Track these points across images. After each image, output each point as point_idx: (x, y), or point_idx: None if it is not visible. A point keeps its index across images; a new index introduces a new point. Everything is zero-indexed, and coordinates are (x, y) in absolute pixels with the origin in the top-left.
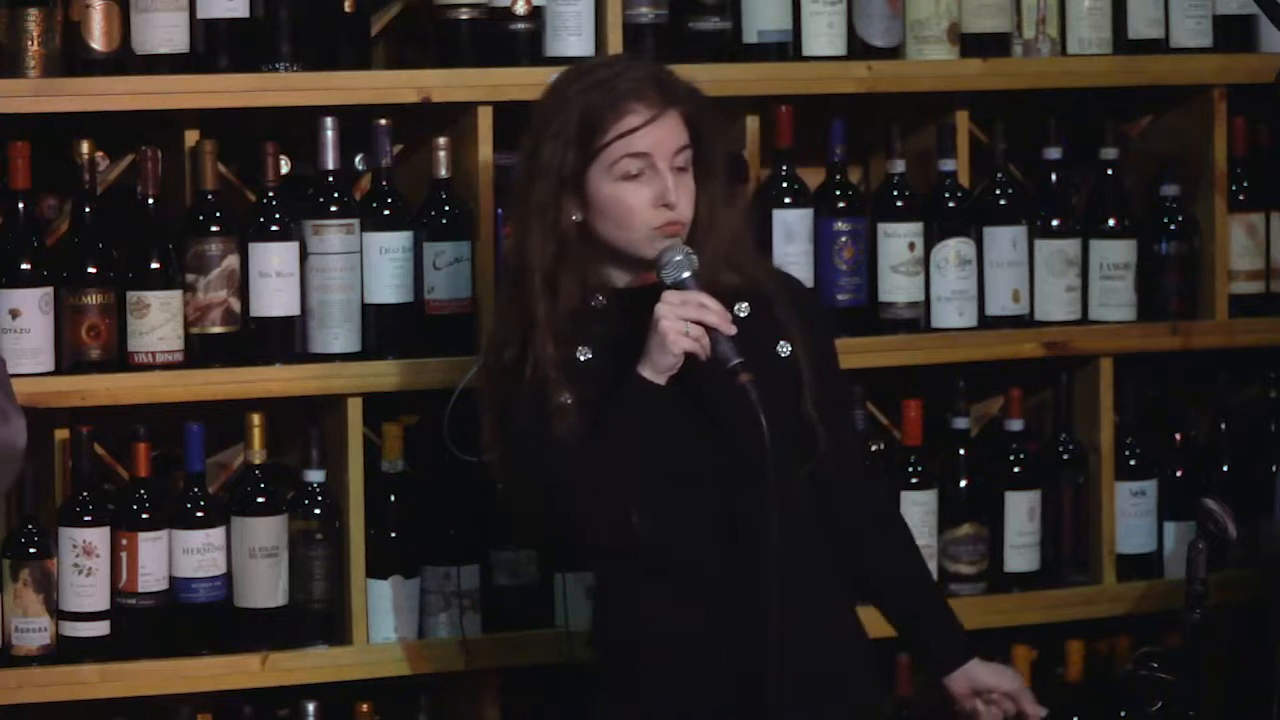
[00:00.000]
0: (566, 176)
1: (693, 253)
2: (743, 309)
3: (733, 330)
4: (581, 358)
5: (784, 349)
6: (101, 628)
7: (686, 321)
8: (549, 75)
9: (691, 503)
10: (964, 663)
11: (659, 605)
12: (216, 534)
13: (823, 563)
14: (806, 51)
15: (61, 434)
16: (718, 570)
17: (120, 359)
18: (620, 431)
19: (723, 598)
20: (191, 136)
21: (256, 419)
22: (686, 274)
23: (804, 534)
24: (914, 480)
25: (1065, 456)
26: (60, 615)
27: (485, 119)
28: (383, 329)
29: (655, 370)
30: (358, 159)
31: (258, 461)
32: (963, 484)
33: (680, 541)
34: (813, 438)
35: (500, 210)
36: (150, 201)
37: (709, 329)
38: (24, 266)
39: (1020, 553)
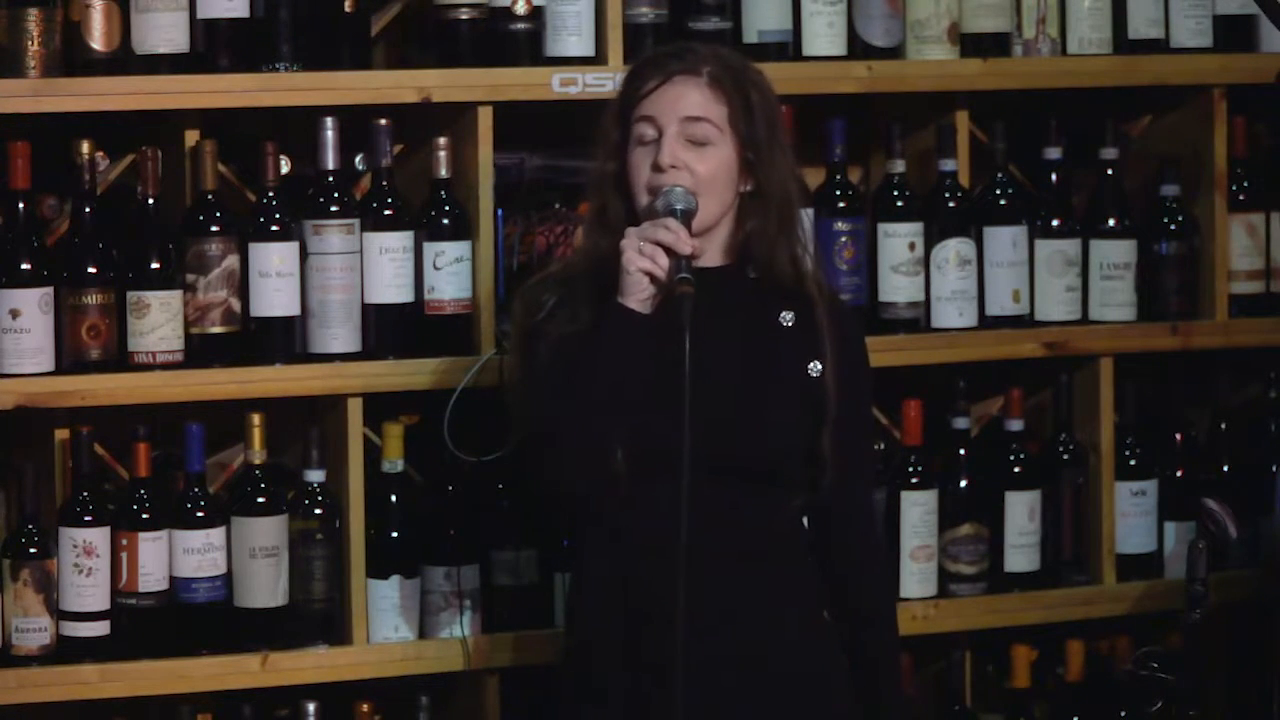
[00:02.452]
0: (609, 153)
1: (692, 194)
2: (788, 318)
3: (688, 250)
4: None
5: (815, 369)
6: (101, 628)
7: (643, 241)
8: (549, 75)
9: (667, 473)
10: None
11: (616, 578)
12: (216, 534)
13: (799, 570)
14: (806, 51)
15: (62, 434)
16: (675, 546)
17: (120, 359)
18: (596, 355)
19: (662, 560)
20: (191, 136)
21: (256, 419)
22: (679, 206)
23: (785, 538)
24: (914, 480)
25: (1065, 456)
26: (60, 615)
27: (485, 119)
28: (383, 329)
29: (623, 294)
30: (358, 159)
31: (258, 461)
32: (963, 484)
33: (649, 508)
34: (819, 470)
35: (500, 210)
36: (150, 201)
37: (668, 251)
38: (24, 266)
39: (1020, 553)
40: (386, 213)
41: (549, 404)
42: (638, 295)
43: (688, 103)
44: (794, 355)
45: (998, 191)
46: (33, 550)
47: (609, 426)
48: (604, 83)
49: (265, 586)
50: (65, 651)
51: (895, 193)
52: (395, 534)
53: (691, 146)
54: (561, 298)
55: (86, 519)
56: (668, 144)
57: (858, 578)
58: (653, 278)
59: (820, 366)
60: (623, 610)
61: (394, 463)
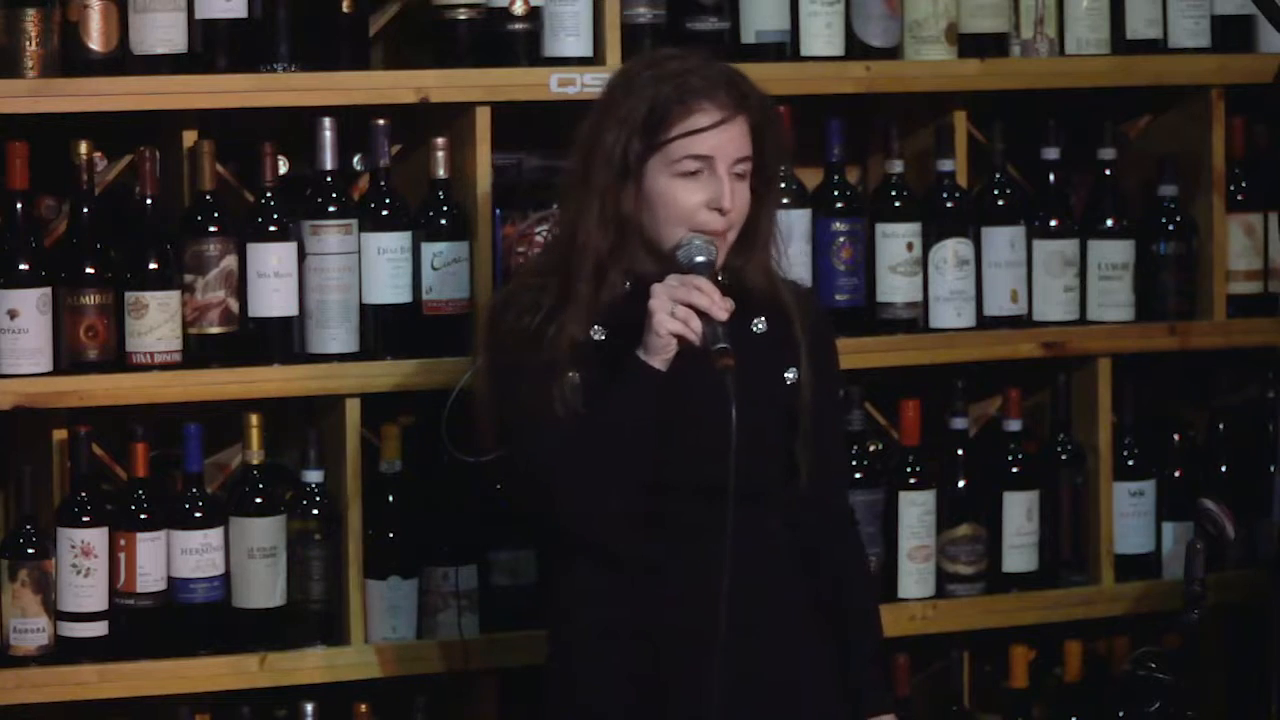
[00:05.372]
0: (630, 164)
1: (714, 244)
2: (760, 324)
3: (724, 316)
4: (596, 337)
5: (791, 374)
6: (100, 628)
7: (675, 303)
8: (547, 76)
9: (666, 499)
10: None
11: (610, 598)
12: (215, 534)
13: (788, 582)
14: (804, 52)
15: (60, 434)
16: (674, 568)
17: (118, 359)
18: (613, 413)
19: (674, 596)
20: (189, 137)
21: (255, 419)
22: (701, 259)
23: (771, 552)
24: (912, 480)
25: (1063, 457)
26: (59, 615)
27: (483, 119)
28: (381, 329)
29: (648, 353)
30: (356, 159)
31: (256, 462)
32: (961, 484)
33: (647, 534)
34: (796, 472)
35: (498, 211)
36: (148, 202)
37: (701, 314)
38: (22, 267)
39: (1019, 553)
40: (384, 213)
41: (553, 454)
42: (663, 355)
43: (741, 144)
44: (768, 362)
45: (996, 192)
46: (31, 550)
47: (616, 484)
48: (601, 83)
49: (263, 587)
50: (63, 652)
51: (893, 193)
52: (393, 534)
53: (734, 180)
54: (540, 322)
55: (85, 519)
56: (729, 185)
57: (842, 582)
58: (682, 340)
59: (795, 373)
60: (615, 631)
61: (392, 463)
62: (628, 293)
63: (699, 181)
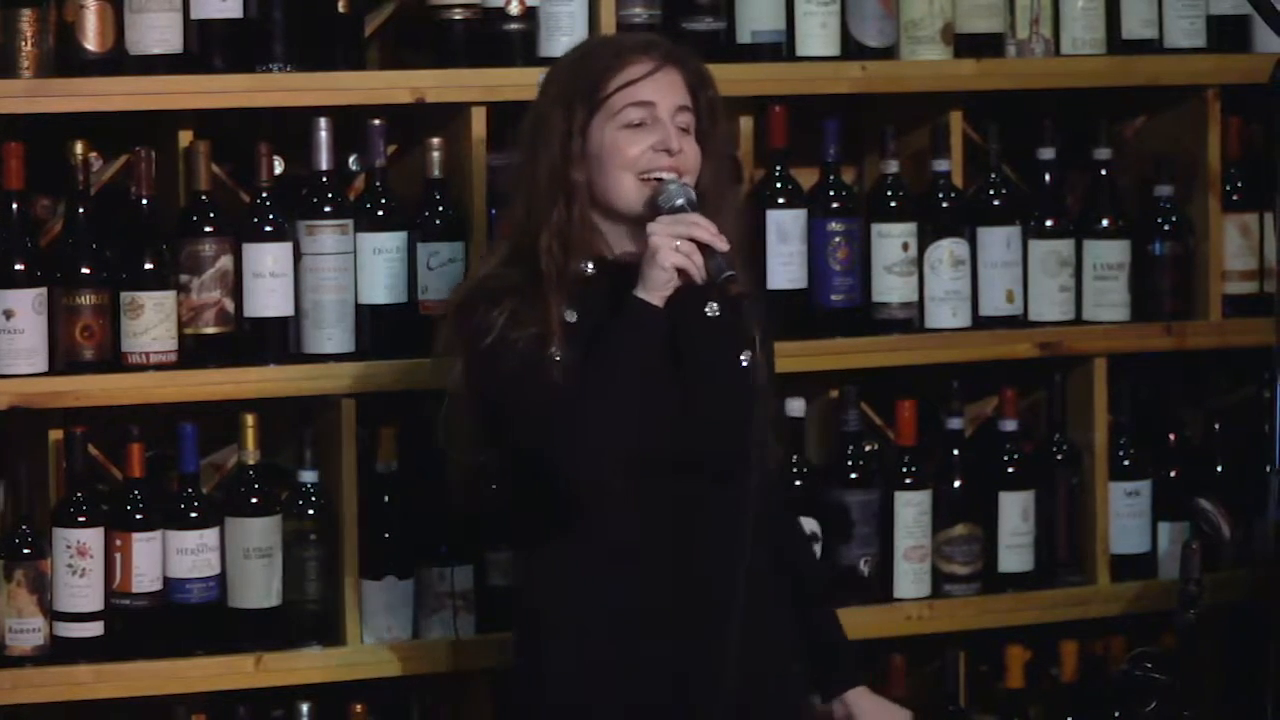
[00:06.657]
0: (574, 130)
1: (690, 187)
2: (713, 308)
3: (725, 247)
4: (569, 319)
5: (745, 358)
6: (96, 628)
7: (677, 238)
8: (542, 76)
9: (659, 476)
10: (848, 689)
11: (600, 582)
12: (210, 534)
13: (759, 564)
14: (800, 52)
15: (55, 434)
16: (669, 542)
17: (114, 359)
18: (614, 351)
19: (669, 572)
20: (185, 137)
21: (250, 419)
22: (680, 201)
23: (744, 532)
24: (908, 481)
25: (1059, 457)
26: (54, 616)
27: (479, 119)
28: (376, 329)
29: (647, 289)
30: (351, 159)
31: (251, 462)
32: (957, 484)
33: (640, 509)
34: (760, 453)
35: (494, 211)
36: (144, 202)
37: (702, 247)
38: (18, 267)
39: (1014, 553)
40: (380, 213)
41: (553, 407)
42: (663, 292)
43: (680, 93)
44: (724, 346)
45: (991, 192)
46: (27, 551)
47: (620, 427)
48: None
49: (259, 587)
50: (59, 652)
51: (889, 193)
52: (389, 534)
53: (680, 132)
54: (515, 308)
55: (80, 519)
56: (673, 129)
57: (799, 565)
58: (682, 273)
59: (749, 355)
60: (606, 617)
61: (387, 463)
62: (592, 274)
63: (644, 130)
